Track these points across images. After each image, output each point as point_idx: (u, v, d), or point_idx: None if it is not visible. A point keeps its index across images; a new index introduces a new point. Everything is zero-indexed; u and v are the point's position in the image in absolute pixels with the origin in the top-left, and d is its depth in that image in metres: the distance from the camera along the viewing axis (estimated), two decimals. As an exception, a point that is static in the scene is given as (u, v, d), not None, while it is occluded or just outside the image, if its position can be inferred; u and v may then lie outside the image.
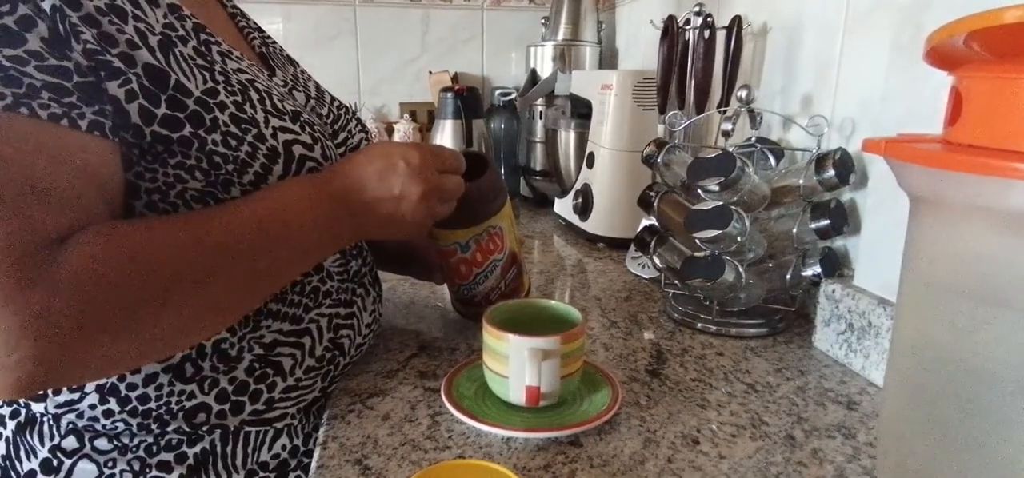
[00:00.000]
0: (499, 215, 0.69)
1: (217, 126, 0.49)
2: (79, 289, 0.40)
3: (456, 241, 0.68)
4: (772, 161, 0.84)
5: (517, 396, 0.54)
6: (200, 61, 0.50)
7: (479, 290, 0.70)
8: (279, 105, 0.55)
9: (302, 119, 0.57)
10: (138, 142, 0.46)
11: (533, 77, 1.53)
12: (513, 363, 0.54)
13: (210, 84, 0.50)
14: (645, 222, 0.98)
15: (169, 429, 0.54)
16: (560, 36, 1.53)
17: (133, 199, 0.48)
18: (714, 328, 0.76)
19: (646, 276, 0.97)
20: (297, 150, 0.54)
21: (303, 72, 0.73)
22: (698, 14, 0.92)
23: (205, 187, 0.49)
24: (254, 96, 0.53)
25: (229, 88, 0.51)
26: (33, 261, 0.39)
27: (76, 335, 0.40)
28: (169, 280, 0.44)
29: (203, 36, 0.53)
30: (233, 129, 0.50)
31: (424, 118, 1.72)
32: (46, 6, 0.43)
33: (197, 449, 0.54)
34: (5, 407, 0.55)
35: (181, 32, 0.51)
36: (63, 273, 0.39)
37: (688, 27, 0.94)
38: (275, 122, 0.53)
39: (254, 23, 0.71)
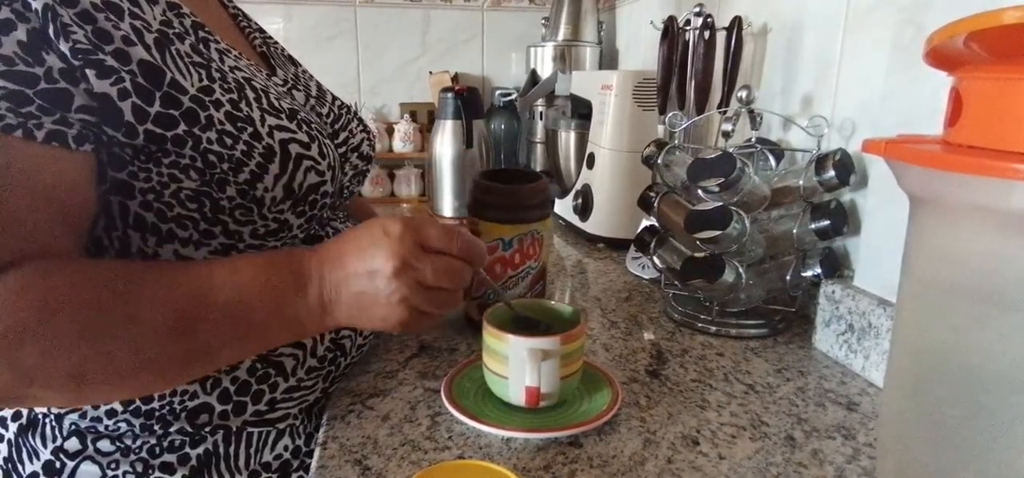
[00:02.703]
0: (543, 223, 0.69)
1: (212, 124, 0.48)
2: None
3: (500, 236, 0.67)
4: (772, 162, 0.84)
5: (517, 397, 0.54)
6: (197, 58, 0.50)
7: (505, 296, 0.69)
8: (276, 103, 0.55)
9: (299, 117, 0.56)
10: (131, 141, 0.46)
11: (533, 77, 1.53)
12: (513, 363, 0.54)
13: (205, 82, 0.49)
14: (645, 222, 0.98)
15: (172, 430, 0.54)
16: (560, 36, 1.53)
17: (128, 199, 0.48)
18: (714, 329, 0.76)
19: (646, 276, 0.97)
20: (294, 148, 0.54)
21: (304, 72, 0.73)
22: (698, 14, 0.92)
23: (200, 186, 0.49)
24: (250, 94, 0.53)
25: (225, 86, 0.51)
26: None
27: None
28: (76, 337, 0.41)
29: (202, 33, 0.53)
30: (228, 127, 0.49)
31: (424, 118, 1.72)
32: (38, 6, 0.42)
33: (200, 450, 0.54)
34: (6, 409, 0.55)
35: (178, 29, 0.50)
36: None
37: (688, 27, 0.94)
38: (271, 120, 0.53)
39: (255, 24, 0.71)
